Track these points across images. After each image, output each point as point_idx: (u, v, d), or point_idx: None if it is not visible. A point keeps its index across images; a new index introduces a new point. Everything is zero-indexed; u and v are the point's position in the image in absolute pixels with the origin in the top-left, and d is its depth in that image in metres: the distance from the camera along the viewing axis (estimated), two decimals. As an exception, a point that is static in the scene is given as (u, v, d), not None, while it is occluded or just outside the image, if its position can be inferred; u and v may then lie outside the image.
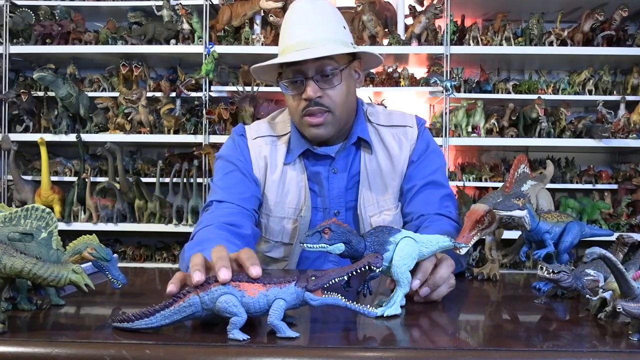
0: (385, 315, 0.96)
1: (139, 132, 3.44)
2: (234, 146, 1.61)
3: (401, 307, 1.00)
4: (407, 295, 1.02)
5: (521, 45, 3.40)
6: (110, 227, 3.40)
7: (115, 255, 1.05)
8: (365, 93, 3.49)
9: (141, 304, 0.89)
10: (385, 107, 1.73)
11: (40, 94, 3.57)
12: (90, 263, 1.03)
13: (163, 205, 3.39)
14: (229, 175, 1.56)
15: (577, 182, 3.41)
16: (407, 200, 1.57)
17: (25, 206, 0.95)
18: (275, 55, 1.51)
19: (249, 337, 0.83)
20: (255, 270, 0.87)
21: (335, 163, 1.57)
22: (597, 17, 3.29)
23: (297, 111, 1.49)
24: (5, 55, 3.48)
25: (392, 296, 1.00)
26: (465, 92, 3.43)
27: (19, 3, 3.56)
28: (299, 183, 1.55)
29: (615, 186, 3.42)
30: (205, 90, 3.43)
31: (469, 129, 3.37)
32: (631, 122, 3.35)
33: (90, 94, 3.54)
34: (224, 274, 0.85)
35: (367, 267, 0.89)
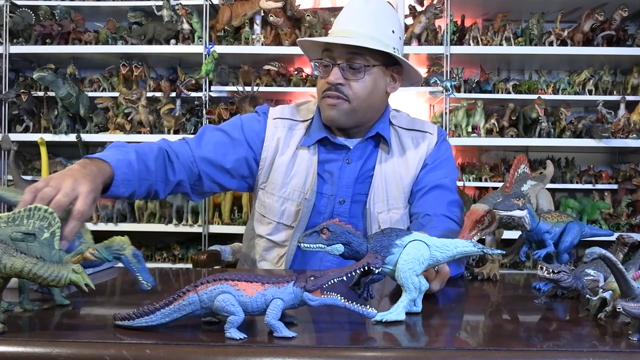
0: (384, 320, 0.93)
1: (139, 132, 3.44)
2: (252, 120, 1.66)
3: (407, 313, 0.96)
4: None
5: (521, 45, 3.40)
6: (110, 227, 3.40)
7: (139, 253, 1.04)
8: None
9: (141, 303, 0.89)
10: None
11: (40, 94, 3.56)
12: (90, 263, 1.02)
13: (163, 205, 3.39)
14: (221, 133, 1.60)
15: (577, 182, 3.41)
16: (415, 200, 1.59)
17: (29, 206, 0.95)
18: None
19: (246, 336, 0.83)
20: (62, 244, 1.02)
21: (351, 153, 1.60)
22: (597, 17, 3.29)
23: (320, 92, 1.56)
24: (5, 55, 3.48)
25: (397, 301, 0.97)
26: (465, 92, 3.43)
27: (19, 3, 3.56)
28: (308, 167, 1.58)
29: (615, 186, 3.42)
30: (205, 90, 3.42)
31: (469, 129, 3.37)
32: (631, 122, 3.35)
33: (90, 94, 3.53)
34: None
35: (366, 268, 0.89)
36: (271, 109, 1.68)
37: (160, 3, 3.48)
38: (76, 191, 1.11)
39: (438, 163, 1.61)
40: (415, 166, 1.60)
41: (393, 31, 1.54)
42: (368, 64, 1.50)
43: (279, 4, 3.33)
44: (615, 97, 3.42)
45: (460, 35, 3.46)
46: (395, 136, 1.63)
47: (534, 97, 3.32)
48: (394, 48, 1.53)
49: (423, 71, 3.59)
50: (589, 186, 3.40)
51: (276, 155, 1.61)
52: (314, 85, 3.39)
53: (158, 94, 3.48)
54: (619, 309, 0.84)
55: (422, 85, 3.36)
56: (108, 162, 1.30)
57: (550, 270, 1.01)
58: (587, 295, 1.03)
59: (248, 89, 3.37)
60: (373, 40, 1.48)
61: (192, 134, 3.40)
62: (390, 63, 1.56)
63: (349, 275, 0.87)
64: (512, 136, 3.35)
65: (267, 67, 3.44)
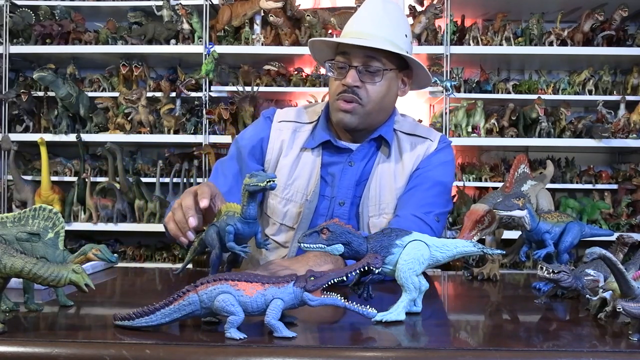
0: (384, 320, 0.93)
1: (139, 132, 3.44)
2: (254, 128, 1.68)
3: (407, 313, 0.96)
4: None
5: (521, 45, 3.39)
6: (110, 227, 3.39)
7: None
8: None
9: (141, 303, 0.89)
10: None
11: (40, 94, 3.56)
12: (90, 263, 1.03)
13: (163, 205, 3.38)
14: (233, 162, 1.65)
15: (577, 182, 3.41)
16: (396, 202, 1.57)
17: (34, 206, 0.96)
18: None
19: (245, 336, 0.83)
20: (202, 203, 1.19)
21: (354, 155, 1.59)
22: (597, 17, 3.29)
23: (334, 94, 1.55)
24: (5, 55, 3.48)
25: (397, 301, 0.97)
26: (465, 92, 3.42)
27: (19, 3, 3.56)
28: (312, 170, 1.58)
29: (615, 186, 3.42)
30: (205, 90, 3.42)
31: (469, 129, 3.37)
32: (631, 122, 3.35)
33: (90, 94, 3.53)
34: (192, 221, 1.19)
35: (366, 268, 0.89)
36: (277, 112, 1.68)
37: (160, 3, 3.48)
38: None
39: (431, 167, 1.58)
40: (409, 171, 1.58)
41: (406, 35, 1.55)
42: (385, 68, 1.50)
43: (279, 4, 3.32)
44: (615, 97, 3.42)
45: (460, 35, 3.46)
46: (395, 141, 1.62)
47: (534, 97, 3.32)
48: (407, 52, 1.54)
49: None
50: (589, 186, 3.40)
51: (280, 157, 1.61)
52: (314, 85, 3.39)
53: (158, 94, 3.48)
54: (619, 309, 0.84)
55: (422, 85, 3.35)
56: None
57: (550, 270, 1.01)
58: (587, 295, 1.03)
59: (248, 89, 3.37)
60: (390, 44, 1.48)
61: (192, 134, 3.42)
62: (402, 67, 1.57)
63: (349, 275, 0.88)
64: (512, 136, 3.35)
65: (267, 67, 3.44)
